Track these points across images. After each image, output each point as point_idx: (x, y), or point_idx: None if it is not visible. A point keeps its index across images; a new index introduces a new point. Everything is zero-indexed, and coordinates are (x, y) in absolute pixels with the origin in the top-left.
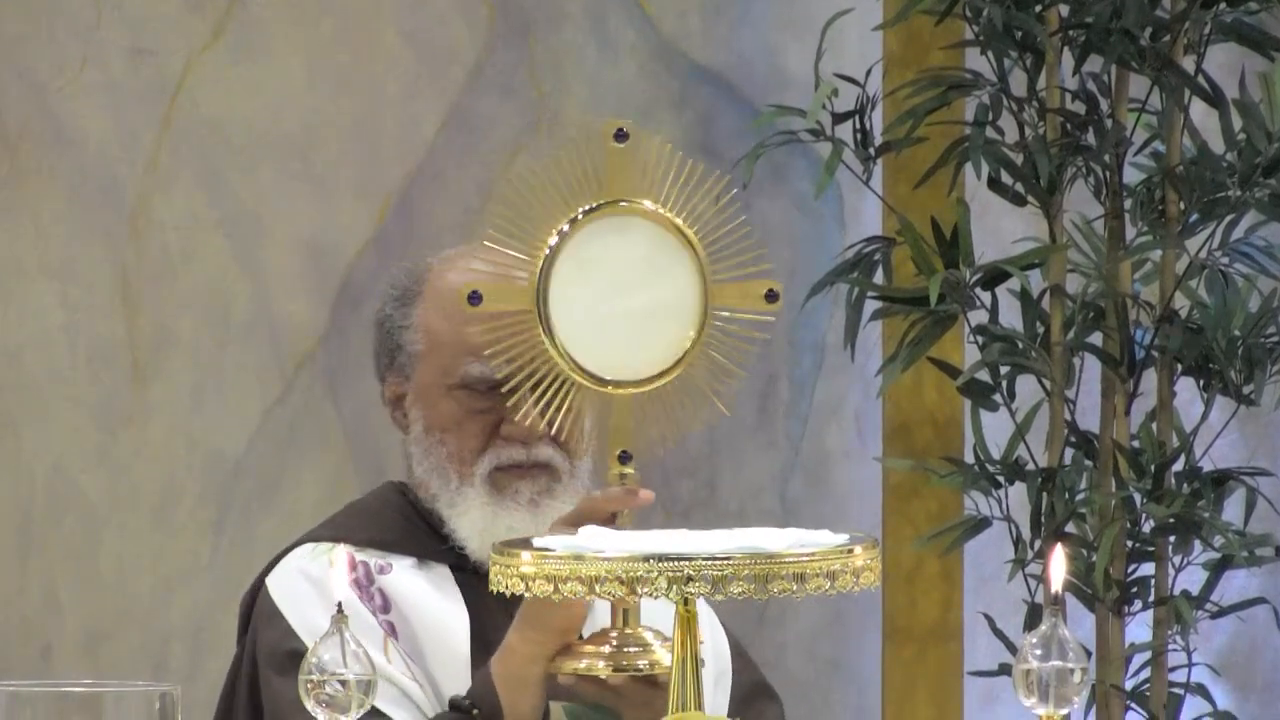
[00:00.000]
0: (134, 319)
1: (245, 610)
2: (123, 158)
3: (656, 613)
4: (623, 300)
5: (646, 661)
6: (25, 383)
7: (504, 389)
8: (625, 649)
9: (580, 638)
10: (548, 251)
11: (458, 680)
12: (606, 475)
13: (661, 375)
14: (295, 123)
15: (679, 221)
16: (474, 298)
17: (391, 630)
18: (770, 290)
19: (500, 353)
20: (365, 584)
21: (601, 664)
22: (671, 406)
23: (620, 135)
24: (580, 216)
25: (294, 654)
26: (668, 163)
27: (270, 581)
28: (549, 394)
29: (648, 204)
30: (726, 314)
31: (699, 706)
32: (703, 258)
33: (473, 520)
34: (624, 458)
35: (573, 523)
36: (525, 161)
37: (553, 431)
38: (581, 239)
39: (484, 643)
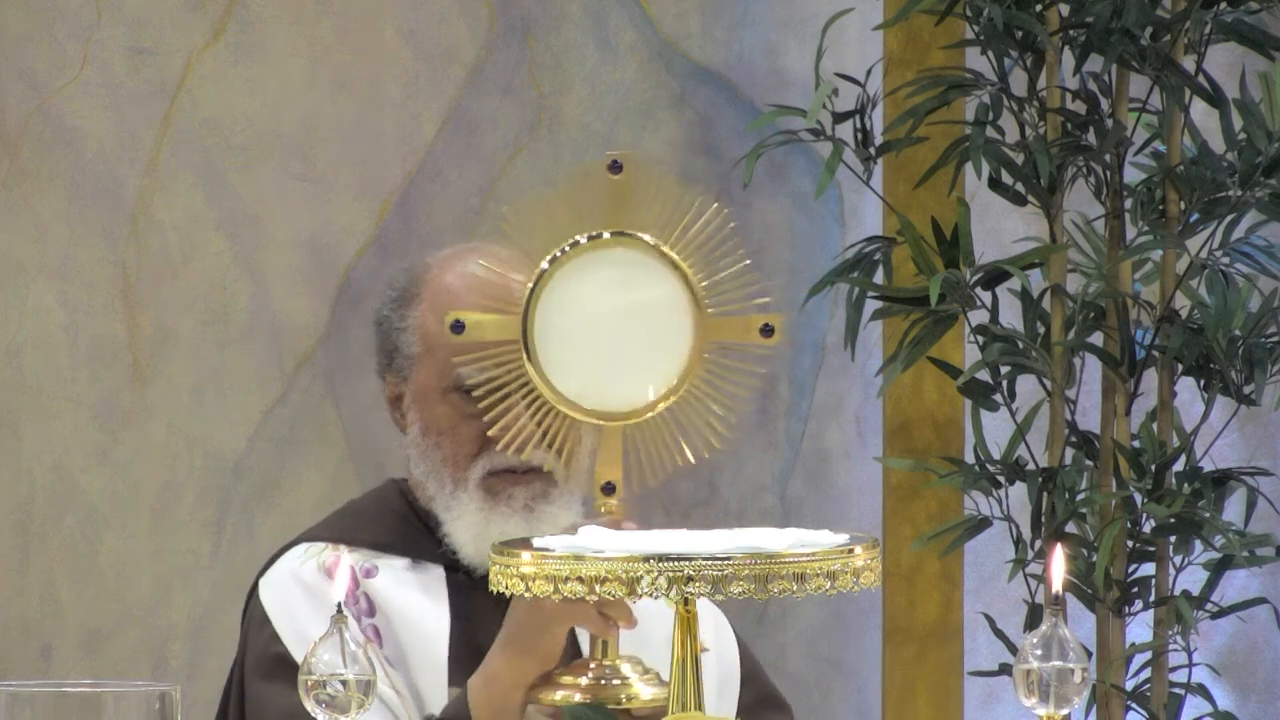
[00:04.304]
0: (134, 319)
1: (244, 610)
2: (123, 158)
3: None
4: (614, 332)
5: (624, 695)
6: (25, 383)
7: (485, 417)
8: (602, 681)
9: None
10: (533, 284)
11: (436, 688)
12: (594, 505)
13: (651, 408)
14: (295, 123)
15: (673, 254)
16: (456, 327)
17: (375, 635)
18: (766, 324)
19: (483, 382)
20: (351, 588)
21: (578, 696)
22: (664, 439)
23: (615, 166)
24: (569, 249)
25: (279, 659)
26: (665, 193)
27: (262, 584)
28: (536, 421)
29: (641, 237)
30: (724, 348)
31: (699, 706)
32: (698, 290)
33: (466, 525)
34: (608, 489)
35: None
36: (528, 186)
37: (550, 445)
38: (573, 270)
39: (470, 648)
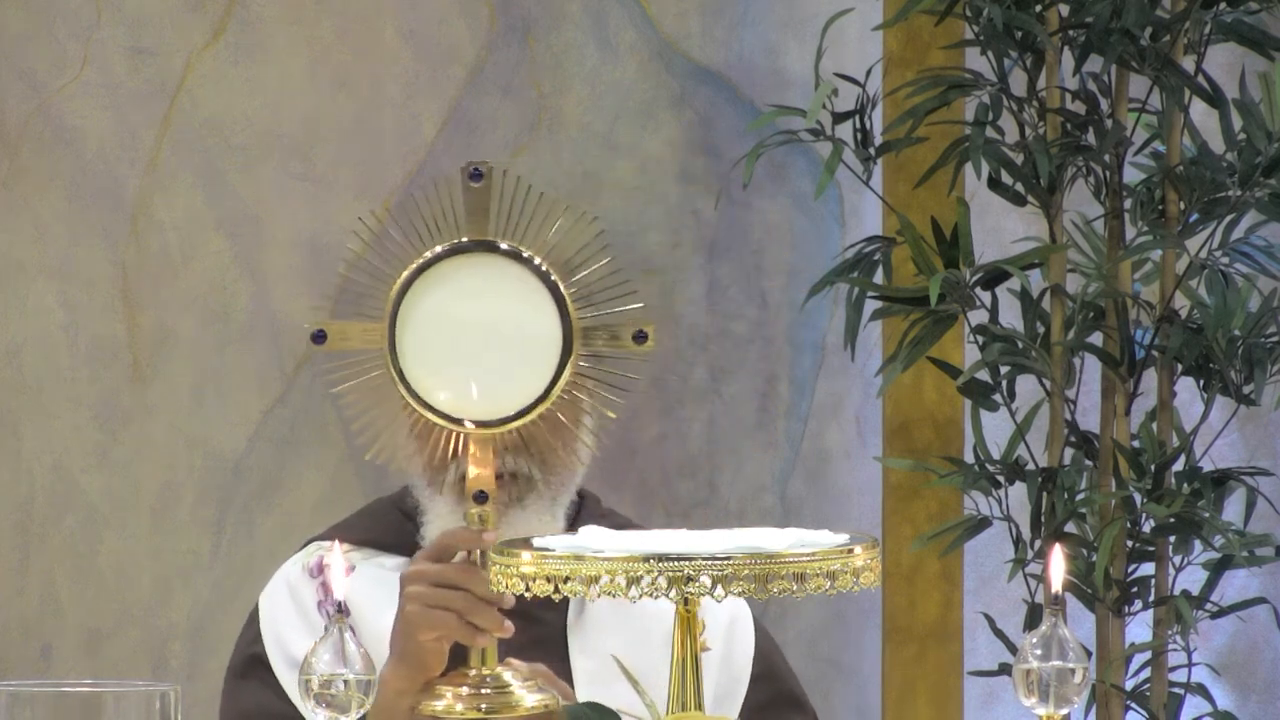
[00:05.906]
0: (134, 319)
1: None
2: (123, 158)
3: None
4: (480, 340)
5: (502, 703)
6: (25, 383)
7: (352, 427)
8: (483, 690)
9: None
10: (398, 292)
11: None
12: (465, 513)
13: (519, 417)
14: (295, 123)
15: (539, 261)
16: (318, 336)
17: (351, 634)
18: (639, 331)
19: (347, 391)
20: (330, 587)
21: (461, 706)
22: (539, 445)
23: (475, 175)
24: (432, 257)
25: (253, 658)
26: (525, 201)
27: (268, 584)
28: (406, 429)
29: (502, 245)
30: (596, 355)
31: (699, 707)
32: (567, 298)
33: (439, 527)
34: (479, 498)
35: (432, 557)
36: (412, 190)
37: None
38: (440, 278)
39: None
